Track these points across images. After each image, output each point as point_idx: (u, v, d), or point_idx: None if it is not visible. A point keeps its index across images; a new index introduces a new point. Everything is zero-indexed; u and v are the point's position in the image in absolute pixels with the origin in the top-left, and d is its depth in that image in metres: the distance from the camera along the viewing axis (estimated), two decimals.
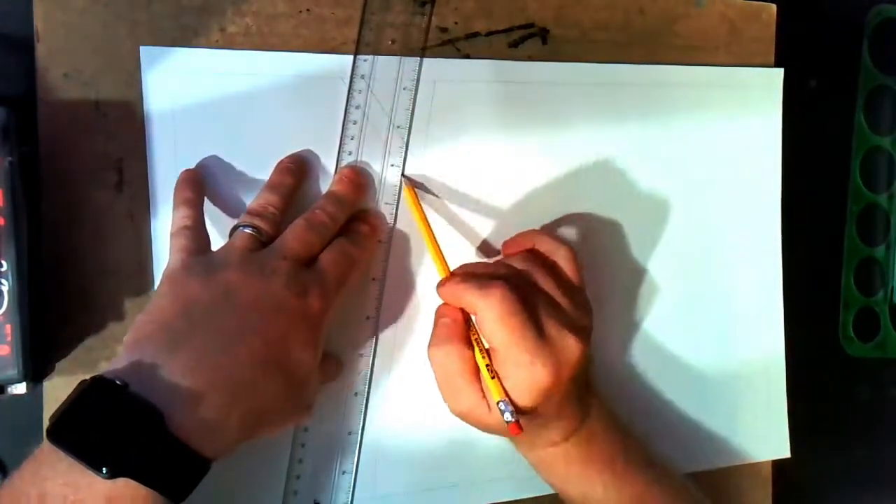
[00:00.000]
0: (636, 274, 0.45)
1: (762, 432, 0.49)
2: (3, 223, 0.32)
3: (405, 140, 0.41)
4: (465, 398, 0.36)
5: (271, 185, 0.38)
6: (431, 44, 0.41)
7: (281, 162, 0.39)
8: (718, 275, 0.47)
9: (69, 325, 0.36)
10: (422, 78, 0.41)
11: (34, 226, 0.35)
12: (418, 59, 0.40)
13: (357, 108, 0.40)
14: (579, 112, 0.44)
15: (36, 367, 0.35)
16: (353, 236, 0.38)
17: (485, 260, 0.42)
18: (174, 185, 0.37)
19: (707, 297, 0.47)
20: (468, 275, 0.37)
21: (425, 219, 0.39)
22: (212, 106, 0.38)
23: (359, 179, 0.40)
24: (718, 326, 0.47)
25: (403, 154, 0.41)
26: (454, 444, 0.42)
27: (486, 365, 0.35)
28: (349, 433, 0.40)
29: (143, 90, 0.37)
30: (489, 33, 0.42)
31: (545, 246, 0.39)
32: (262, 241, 0.35)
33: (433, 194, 0.41)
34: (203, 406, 0.30)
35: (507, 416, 0.34)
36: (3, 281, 0.32)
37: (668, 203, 0.46)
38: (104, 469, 0.27)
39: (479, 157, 0.42)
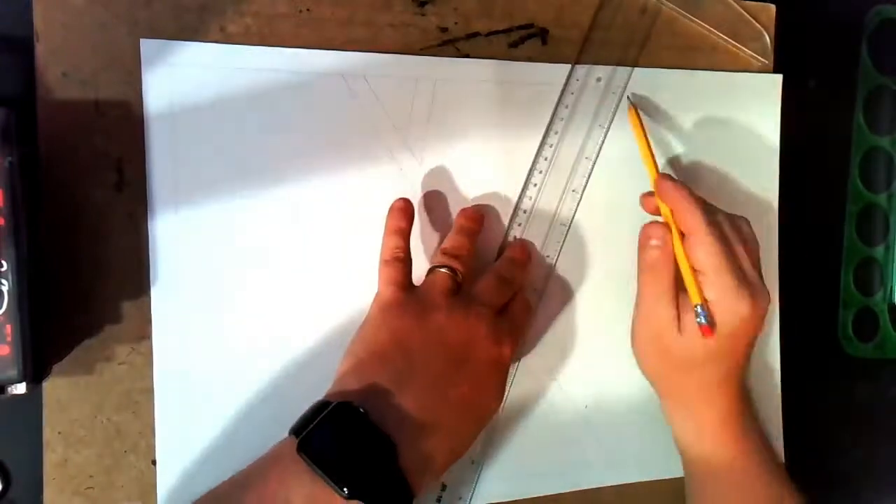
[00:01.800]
0: (634, 275, 0.45)
1: None
2: (3, 223, 0.32)
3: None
4: (660, 317, 0.39)
5: (460, 228, 0.40)
6: (431, 44, 0.41)
7: (467, 209, 0.41)
8: None
9: (68, 325, 0.36)
10: (422, 78, 0.41)
11: (34, 226, 0.35)
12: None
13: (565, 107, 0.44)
14: (578, 113, 0.44)
15: (36, 367, 0.35)
16: (530, 291, 0.42)
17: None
18: (388, 212, 0.39)
19: None
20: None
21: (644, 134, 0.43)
22: (212, 104, 0.38)
23: (527, 253, 0.42)
24: None
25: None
26: None
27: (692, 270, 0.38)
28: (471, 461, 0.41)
29: (143, 85, 0.37)
30: (489, 33, 0.42)
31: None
32: (458, 282, 0.38)
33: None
34: (423, 444, 0.32)
35: (702, 320, 0.37)
36: (3, 281, 0.32)
37: None
38: (345, 489, 0.29)
39: (478, 157, 0.42)
